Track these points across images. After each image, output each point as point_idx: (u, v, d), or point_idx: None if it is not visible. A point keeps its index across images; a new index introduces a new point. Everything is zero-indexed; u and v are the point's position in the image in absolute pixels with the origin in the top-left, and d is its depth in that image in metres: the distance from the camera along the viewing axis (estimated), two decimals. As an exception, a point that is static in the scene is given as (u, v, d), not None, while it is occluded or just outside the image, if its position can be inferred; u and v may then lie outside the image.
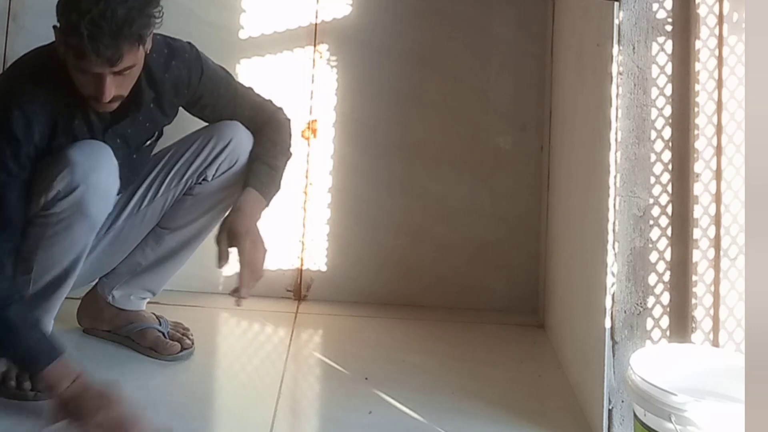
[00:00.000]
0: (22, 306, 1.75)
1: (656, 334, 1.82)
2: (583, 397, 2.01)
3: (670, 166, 1.83)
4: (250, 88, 2.13)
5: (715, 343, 1.75)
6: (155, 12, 1.77)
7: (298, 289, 2.64)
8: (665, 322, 1.82)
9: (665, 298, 1.82)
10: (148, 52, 1.81)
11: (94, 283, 2.19)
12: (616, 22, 1.83)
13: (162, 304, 2.30)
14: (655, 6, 1.83)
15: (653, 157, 1.83)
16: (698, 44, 1.79)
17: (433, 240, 2.65)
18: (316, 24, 2.64)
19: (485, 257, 2.65)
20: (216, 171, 2.07)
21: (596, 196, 1.93)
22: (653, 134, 1.83)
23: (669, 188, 1.83)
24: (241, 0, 2.63)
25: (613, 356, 1.82)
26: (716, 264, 1.76)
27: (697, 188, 1.79)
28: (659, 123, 1.83)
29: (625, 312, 1.82)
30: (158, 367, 2.10)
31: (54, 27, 1.75)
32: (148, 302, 2.23)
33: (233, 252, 1.92)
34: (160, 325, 2.17)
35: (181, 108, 2.09)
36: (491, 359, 2.29)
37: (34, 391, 1.87)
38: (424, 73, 2.66)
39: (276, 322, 2.46)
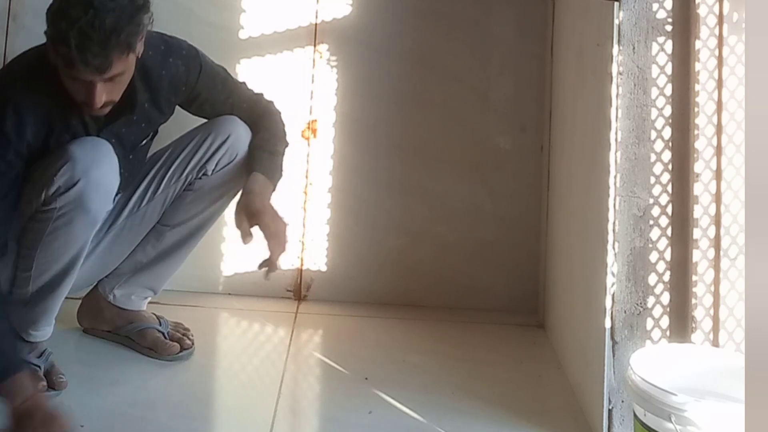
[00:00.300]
0: None
1: (656, 334, 1.82)
2: (583, 397, 2.01)
3: (670, 166, 1.83)
4: (243, 83, 2.15)
5: (715, 343, 1.75)
6: (144, 19, 1.76)
7: (298, 289, 2.64)
8: (665, 322, 1.82)
9: (665, 298, 1.82)
10: (139, 56, 1.81)
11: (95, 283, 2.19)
12: (616, 22, 1.83)
13: (162, 304, 2.30)
14: (655, 6, 1.83)
15: (653, 157, 1.83)
16: (698, 44, 1.79)
17: (433, 240, 2.65)
18: (316, 24, 2.64)
19: (485, 257, 2.65)
20: (216, 165, 2.08)
21: (596, 196, 1.93)
22: (653, 134, 1.83)
23: (669, 188, 1.83)
24: (241, 0, 2.63)
25: (613, 356, 1.82)
26: (716, 264, 1.76)
27: (697, 188, 1.79)
28: (659, 123, 1.83)
29: (625, 312, 1.82)
30: (158, 367, 2.10)
31: (45, 32, 1.74)
32: (149, 302, 2.23)
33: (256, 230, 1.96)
34: (160, 325, 2.17)
35: (179, 108, 2.10)
36: (491, 359, 2.29)
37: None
38: (424, 73, 2.65)
39: (276, 322, 2.46)
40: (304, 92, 2.64)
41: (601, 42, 1.94)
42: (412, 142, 2.65)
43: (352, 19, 2.65)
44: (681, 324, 1.81)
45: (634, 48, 1.83)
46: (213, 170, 2.08)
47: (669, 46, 1.83)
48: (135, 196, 2.11)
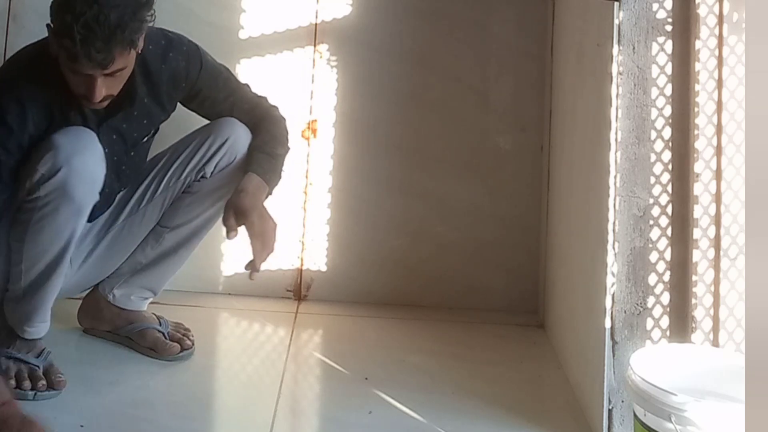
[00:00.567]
0: None
1: (656, 334, 1.82)
2: (583, 397, 2.01)
3: (670, 166, 1.83)
4: (246, 84, 2.15)
5: (715, 343, 1.75)
6: (147, 16, 1.79)
7: (298, 289, 2.64)
8: (665, 322, 1.82)
9: (665, 298, 1.82)
10: (139, 52, 1.83)
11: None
12: (616, 22, 1.83)
13: (162, 304, 2.30)
14: (655, 6, 1.83)
15: (653, 157, 1.83)
16: (698, 44, 1.79)
17: (433, 240, 2.65)
18: (316, 24, 2.64)
19: (485, 257, 2.65)
20: (215, 167, 2.08)
21: (596, 196, 1.93)
22: (653, 134, 1.83)
23: (669, 188, 1.83)
24: (241, 0, 2.63)
25: (613, 356, 1.82)
26: (716, 264, 1.76)
27: (697, 188, 1.79)
28: (659, 123, 1.83)
29: (625, 312, 1.82)
30: (158, 367, 2.10)
31: (47, 25, 1.77)
32: (150, 303, 2.23)
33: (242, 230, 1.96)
34: (161, 325, 2.17)
35: (180, 110, 2.10)
36: (491, 359, 2.29)
37: (34, 390, 1.88)
38: (424, 73, 2.65)
39: (276, 322, 2.46)
40: (304, 92, 2.64)
41: (601, 42, 1.94)
42: (412, 142, 2.65)
43: (352, 19, 2.65)
44: (681, 324, 1.81)
45: (634, 48, 1.83)
46: (212, 172, 2.08)
47: (669, 46, 1.83)
48: (135, 197, 2.11)
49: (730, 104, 1.76)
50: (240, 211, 1.93)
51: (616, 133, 1.83)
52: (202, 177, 2.09)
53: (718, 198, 1.77)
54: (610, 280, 1.82)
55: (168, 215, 2.13)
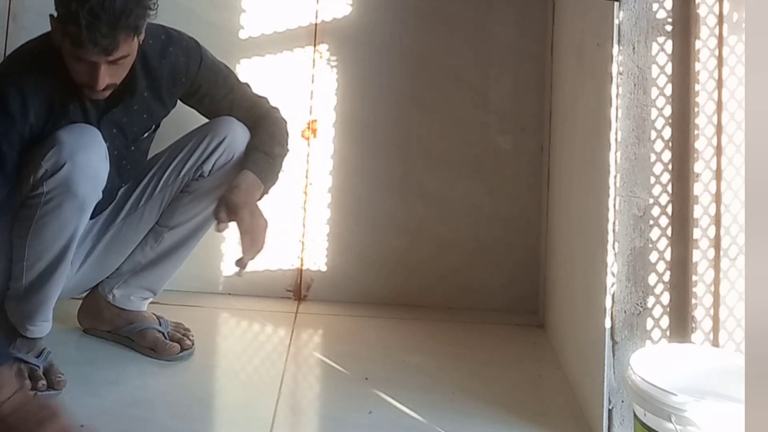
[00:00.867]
0: None
1: (656, 334, 1.82)
2: (583, 397, 2.01)
3: (670, 166, 1.83)
4: (246, 84, 2.15)
5: (715, 343, 1.75)
6: (151, 3, 1.81)
7: (298, 289, 2.64)
8: (665, 322, 1.82)
9: (665, 298, 1.82)
10: (141, 42, 1.85)
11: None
12: (616, 22, 1.83)
13: (162, 304, 2.30)
14: (655, 6, 1.83)
15: (653, 157, 1.83)
16: (698, 44, 1.79)
17: (433, 240, 2.65)
18: (316, 24, 2.64)
19: (485, 257, 2.65)
20: (213, 166, 2.08)
21: (596, 196, 1.93)
22: (653, 134, 1.83)
23: (669, 188, 1.83)
24: (241, 0, 2.63)
25: (613, 356, 1.82)
26: (716, 264, 1.76)
27: (697, 188, 1.79)
28: (659, 123, 1.83)
29: (625, 312, 1.82)
30: (158, 367, 2.10)
31: (50, 16, 1.79)
32: (150, 303, 2.23)
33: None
34: (161, 325, 2.17)
35: (180, 108, 2.10)
36: (491, 359, 2.29)
37: (34, 390, 1.88)
38: (424, 73, 2.66)
39: (276, 322, 2.46)
40: (304, 92, 2.64)
41: (601, 42, 1.94)
42: (412, 142, 2.65)
43: (352, 19, 2.65)
44: (681, 324, 1.81)
45: (634, 48, 1.83)
46: (209, 171, 2.09)
47: (669, 46, 1.83)
48: (134, 196, 2.11)
49: (730, 104, 1.76)
50: (231, 206, 1.94)
51: (616, 133, 1.83)
52: (200, 176, 2.09)
53: (718, 198, 1.77)
54: (610, 280, 1.82)
55: (167, 214, 2.13)
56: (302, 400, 2.09)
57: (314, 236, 2.64)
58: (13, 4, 2.58)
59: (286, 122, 2.14)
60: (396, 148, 2.65)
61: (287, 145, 2.12)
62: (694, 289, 1.78)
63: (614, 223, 1.82)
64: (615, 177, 1.83)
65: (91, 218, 1.97)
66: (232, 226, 1.98)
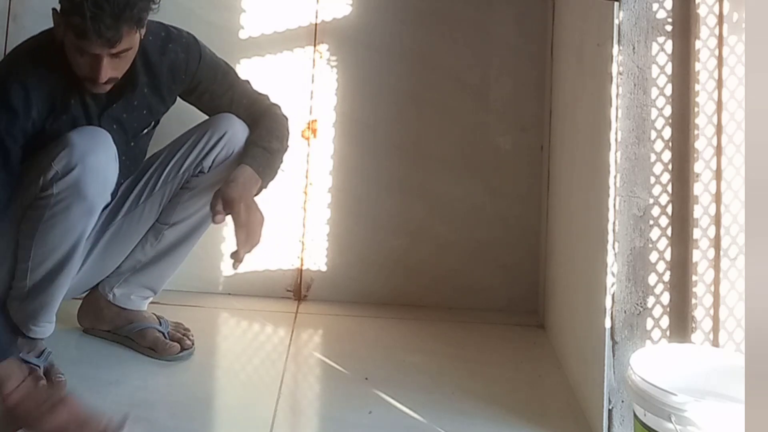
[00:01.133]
0: None
1: (656, 334, 1.82)
2: (583, 397, 2.01)
3: (670, 166, 1.83)
4: (246, 81, 2.15)
5: (715, 343, 1.75)
6: None
7: (298, 289, 2.64)
8: (665, 322, 1.82)
9: (665, 298, 1.82)
10: (143, 37, 1.85)
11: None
12: (616, 22, 1.83)
13: (162, 304, 2.30)
14: (655, 6, 1.83)
15: (653, 157, 1.83)
16: (698, 44, 1.79)
17: (433, 240, 2.65)
18: (316, 24, 2.64)
19: (485, 257, 2.65)
20: (212, 162, 2.08)
21: (596, 196, 1.93)
22: (653, 134, 1.83)
23: (669, 188, 1.83)
24: (241, 0, 2.63)
25: (613, 356, 1.82)
26: (716, 264, 1.76)
27: (697, 188, 1.79)
28: (659, 123, 1.83)
29: (625, 312, 1.82)
30: (158, 367, 2.10)
31: (53, 9, 1.80)
32: (150, 303, 2.23)
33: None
34: (161, 325, 2.17)
35: (180, 105, 2.10)
36: (491, 359, 2.29)
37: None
38: (424, 73, 2.65)
39: (276, 322, 2.46)
40: (304, 92, 2.64)
41: (601, 42, 1.94)
42: (412, 142, 2.65)
43: (352, 19, 2.65)
44: (681, 324, 1.81)
45: (634, 48, 1.83)
46: (209, 167, 2.09)
47: (669, 46, 1.83)
48: (134, 193, 2.11)
49: (730, 104, 1.76)
50: (227, 200, 1.93)
51: (616, 133, 1.83)
52: (200, 172, 2.10)
53: (718, 198, 1.77)
54: (610, 280, 1.82)
55: (167, 211, 2.13)
56: (302, 400, 2.09)
57: (314, 236, 2.64)
58: (13, 4, 2.58)
59: (286, 119, 2.14)
60: (396, 148, 2.65)
61: (287, 141, 2.12)
62: (694, 289, 1.78)
63: (614, 223, 1.82)
64: (615, 177, 1.83)
65: None
66: (229, 221, 1.97)
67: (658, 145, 1.83)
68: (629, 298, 1.82)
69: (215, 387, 2.14)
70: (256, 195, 1.99)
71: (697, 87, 1.79)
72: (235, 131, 2.08)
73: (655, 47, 1.83)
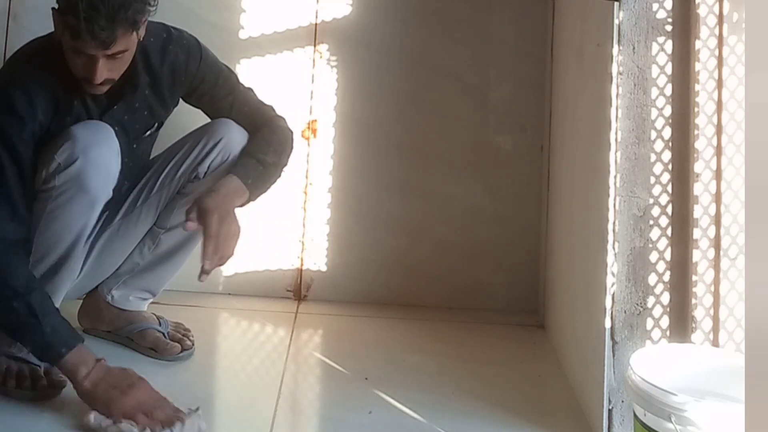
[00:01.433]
0: (41, 291, 1.80)
1: (656, 334, 1.82)
2: (583, 397, 2.01)
3: (670, 166, 1.83)
4: (250, 89, 2.13)
5: (715, 343, 1.75)
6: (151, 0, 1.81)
7: (298, 289, 2.64)
8: (665, 322, 1.82)
9: (665, 298, 1.82)
10: (141, 39, 1.85)
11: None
12: (616, 22, 1.83)
13: (162, 305, 2.30)
14: (655, 6, 1.83)
15: (653, 157, 1.83)
16: (698, 44, 1.79)
17: (432, 240, 2.65)
18: (316, 24, 2.64)
19: (485, 257, 2.65)
20: (208, 168, 2.06)
21: (596, 196, 1.93)
22: (653, 134, 1.83)
23: (669, 188, 1.83)
24: (241, 0, 2.63)
25: (613, 356, 1.82)
26: (716, 264, 1.76)
27: (697, 188, 1.79)
28: (659, 123, 1.83)
29: (625, 312, 1.82)
30: (158, 368, 2.10)
31: (53, 8, 1.80)
32: (150, 303, 2.23)
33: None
34: (161, 325, 2.17)
35: (183, 108, 2.10)
36: (491, 359, 2.29)
37: (35, 390, 1.87)
38: (424, 73, 2.66)
39: (276, 322, 2.46)
40: (304, 92, 2.64)
41: (601, 42, 1.94)
42: (412, 142, 2.65)
43: (352, 19, 2.65)
44: (681, 324, 1.81)
45: (634, 48, 1.83)
46: (205, 173, 2.06)
47: (669, 46, 1.83)
48: (131, 195, 2.11)
49: (730, 104, 1.76)
50: (201, 208, 1.87)
51: (616, 133, 1.83)
52: (195, 177, 2.08)
53: (718, 198, 1.77)
54: (610, 280, 1.82)
55: (163, 216, 2.12)
56: (302, 400, 2.09)
57: (314, 236, 2.65)
58: (13, 4, 2.58)
59: (291, 132, 2.09)
60: (396, 148, 2.65)
61: (287, 155, 2.06)
62: (694, 289, 1.78)
63: (614, 223, 1.82)
64: (615, 177, 1.83)
65: None
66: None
67: (658, 145, 1.83)
68: (629, 298, 1.82)
69: (215, 387, 2.15)
70: (239, 206, 1.93)
71: (697, 87, 1.79)
72: (232, 137, 2.04)
73: (655, 47, 1.83)
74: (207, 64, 2.05)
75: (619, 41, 1.83)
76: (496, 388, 2.10)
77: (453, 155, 2.65)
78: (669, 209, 1.83)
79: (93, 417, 1.72)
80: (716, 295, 1.76)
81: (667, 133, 1.83)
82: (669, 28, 1.83)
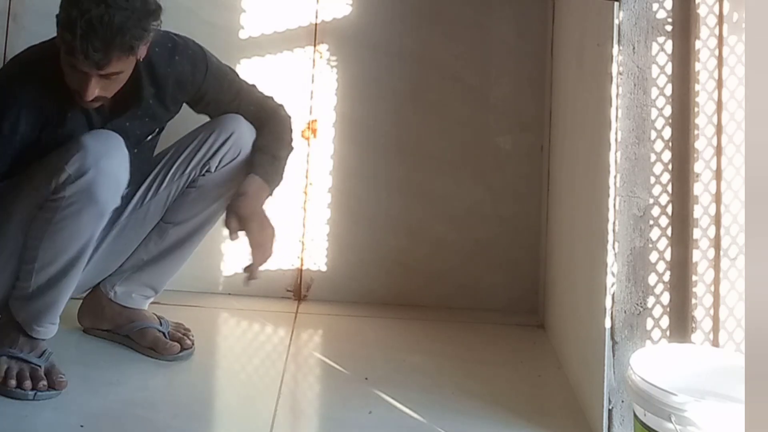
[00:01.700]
0: None
1: (656, 334, 1.82)
2: (583, 397, 2.01)
3: (670, 166, 1.83)
4: (253, 85, 2.15)
5: (715, 343, 1.75)
6: (152, 25, 1.80)
7: (298, 289, 2.64)
8: (665, 322, 1.82)
9: (665, 298, 1.82)
10: (141, 59, 1.84)
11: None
12: (616, 22, 1.83)
13: (162, 304, 2.30)
14: (655, 6, 1.83)
15: (653, 157, 1.83)
16: (698, 44, 1.79)
17: (432, 240, 2.65)
18: (316, 24, 2.64)
19: (485, 257, 2.65)
20: (219, 162, 2.09)
21: (596, 196, 1.93)
22: (653, 134, 1.83)
23: (669, 188, 1.83)
24: (241, 0, 2.63)
25: (613, 356, 1.82)
26: (716, 264, 1.76)
27: (697, 188, 1.79)
28: (659, 123, 1.83)
29: (625, 312, 1.82)
30: (158, 367, 2.10)
31: (57, 16, 1.78)
32: (150, 303, 2.23)
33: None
34: (161, 325, 2.17)
35: (184, 107, 2.10)
36: (491, 359, 2.29)
37: (35, 390, 1.88)
38: (424, 73, 2.65)
39: (276, 322, 2.46)
40: (304, 92, 2.64)
41: (601, 42, 1.94)
42: (412, 142, 2.65)
43: (352, 19, 2.65)
44: (681, 324, 1.81)
45: (634, 48, 1.83)
46: (216, 167, 2.09)
47: (669, 46, 1.83)
48: (139, 192, 2.12)
49: (730, 104, 1.76)
50: (242, 217, 1.96)
51: (616, 133, 1.83)
52: (206, 171, 2.10)
53: (718, 198, 1.77)
54: (610, 280, 1.82)
55: (172, 211, 2.13)
56: (302, 400, 2.09)
57: (314, 236, 2.64)
58: (13, 4, 2.58)
59: (290, 118, 2.15)
60: (396, 148, 2.65)
61: (292, 142, 2.14)
62: (694, 289, 1.78)
63: (614, 223, 1.82)
64: (615, 177, 1.83)
65: None
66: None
67: (658, 145, 1.83)
68: (629, 298, 1.82)
69: (215, 387, 2.15)
70: (264, 203, 2.01)
71: (697, 87, 1.79)
72: (242, 132, 2.09)
73: (655, 47, 1.83)
74: (212, 74, 2.05)
75: (619, 41, 1.83)
76: (495, 388, 2.10)
77: (453, 155, 2.65)
78: (669, 209, 1.83)
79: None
80: (716, 295, 1.76)
81: (667, 133, 1.83)
82: (669, 28, 1.83)
